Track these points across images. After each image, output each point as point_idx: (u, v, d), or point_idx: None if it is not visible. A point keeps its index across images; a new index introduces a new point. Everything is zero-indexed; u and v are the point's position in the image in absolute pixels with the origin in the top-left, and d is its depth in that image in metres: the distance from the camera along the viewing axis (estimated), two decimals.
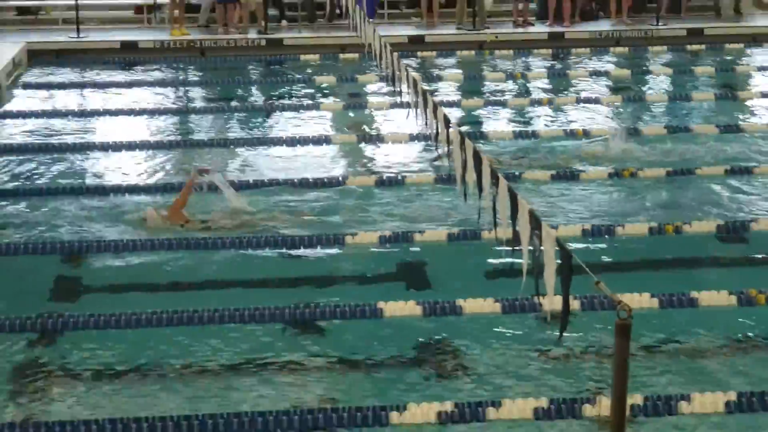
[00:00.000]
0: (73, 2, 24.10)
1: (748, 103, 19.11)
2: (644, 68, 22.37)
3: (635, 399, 8.00)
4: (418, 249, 11.77)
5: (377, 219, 12.73)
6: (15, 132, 17.01)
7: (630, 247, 11.81)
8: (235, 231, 12.14)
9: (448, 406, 8.21)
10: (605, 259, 11.35)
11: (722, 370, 9.10)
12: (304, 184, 13.90)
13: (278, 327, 9.85)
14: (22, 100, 19.33)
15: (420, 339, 9.63)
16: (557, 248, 6.15)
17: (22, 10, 26.10)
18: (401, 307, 9.97)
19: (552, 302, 6.31)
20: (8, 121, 17.70)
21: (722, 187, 13.90)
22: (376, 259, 11.66)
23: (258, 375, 9.02)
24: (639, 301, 9.66)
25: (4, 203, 13.36)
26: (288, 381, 8.92)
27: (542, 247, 6.37)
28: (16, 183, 14.29)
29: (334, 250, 11.80)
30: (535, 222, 6.55)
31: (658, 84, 21.08)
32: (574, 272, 5.96)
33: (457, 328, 9.79)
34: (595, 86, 20.60)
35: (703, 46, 24.02)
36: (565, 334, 6.43)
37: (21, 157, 15.40)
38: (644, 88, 20.57)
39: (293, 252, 11.75)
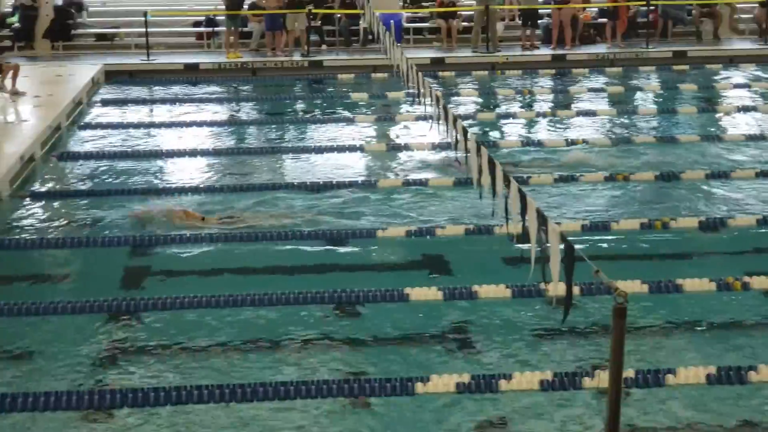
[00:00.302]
0: (144, 30, 24.19)
1: (726, 116, 18.95)
2: (635, 85, 22.23)
3: (628, 373, 7.93)
4: (439, 242, 11.74)
5: (404, 216, 12.71)
6: (94, 141, 17.06)
7: (623, 240, 11.75)
8: (248, 225, 12.19)
9: (465, 377, 8.19)
10: (602, 250, 11.27)
11: (703, 347, 9.05)
12: (341, 186, 13.89)
13: (319, 309, 9.83)
14: (100, 114, 19.38)
15: (441, 320, 9.61)
16: (561, 241, 6.12)
17: (99, 37, 26.20)
18: (425, 293, 9.94)
19: (557, 288, 6.27)
20: (88, 131, 17.74)
21: (703, 188, 13.82)
22: (402, 251, 11.65)
23: (303, 349, 9.03)
24: (631, 287, 9.55)
25: (83, 202, 13.40)
26: (328, 355, 8.93)
27: (548, 241, 6.34)
28: (94, 184, 14.33)
29: (366, 243, 11.79)
30: (542, 219, 6.51)
31: (648, 99, 20.95)
32: (576, 262, 5.93)
33: (473, 310, 9.76)
34: (592, 101, 20.49)
35: (686, 67, 23.86)
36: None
37: (99, 163, 15.46)
38: (635, 103, 20.43)
39: (332, 244, 11.75)
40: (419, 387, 8.09)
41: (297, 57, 24.12)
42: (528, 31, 25.00)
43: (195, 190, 13.89)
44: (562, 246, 6.08)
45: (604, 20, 25.63)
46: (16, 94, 19.10)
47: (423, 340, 9.24)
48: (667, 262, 11.32)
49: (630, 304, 5.61)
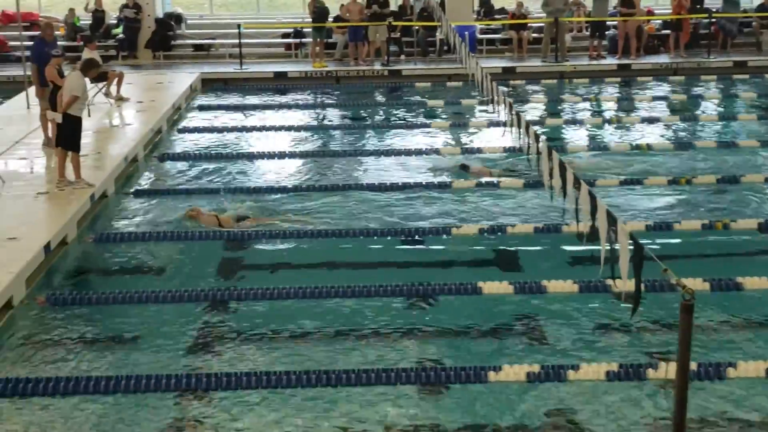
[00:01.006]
0: (237, 41, 24.43)
1: None
2: (697, 93, 21.89)
3: (690, 365, 7.81)
4: (510, 239, 11.67)
5: (477, 215, 12.65)
6: (191, 144, 17.25)
7: (686, 240, 11.56)
8: (263, 226, 12.18)
9: (535, 367, 8.15)
10: (665, 250, 11.10)
11: (762, 342, 8.87)
12: (418, 186, 13.87)
13: (398, 301, 9.83)
14: (197, 118, 19.60)
15: (512, 312, 9.54)
16: (630, 241, 6.04)
17: (197, 47, 26.52)
18: (497, 286, 9.93)
19: (625, 285, 6.19)
20: (186, 135, 17.95)
21: (762, 191, 13.57)
22: (476, 247, 11.59)
23: (383, 339, 9.02)
24: (693, 284, 9.35)
25: (181, 199, 13.53)
26: (406, 344, 8.91)
27: (617, 240, 6.27)
28: (191, 183, 14.48)
29: (442, 240, 11.75)
30: (612, 219, 6.44)
31: (709, 106, 20.60)
32: (644, 261, 5.85)
33: (542, 304, 9.69)
34: (656, 108, 20.19)
35: (746, 76, 23.44)
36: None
37: (196, 163, 15.62)
38: (697, 110, 20.11)
39: (409, 240, 11.73)
40: (491, 375, 8.06)
41: (377, 66, 24.16)
42: (595, 42, 24.77)
43: (281, 189, 13.97)
44: (631, 245, 6.00)
45: (668, 32, 25.30)
46: (120, 99, 19.41)
47: (495, 331, 9.19)
48: (727, 261, 11.11)
49: None
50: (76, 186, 12.92)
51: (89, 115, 13.42)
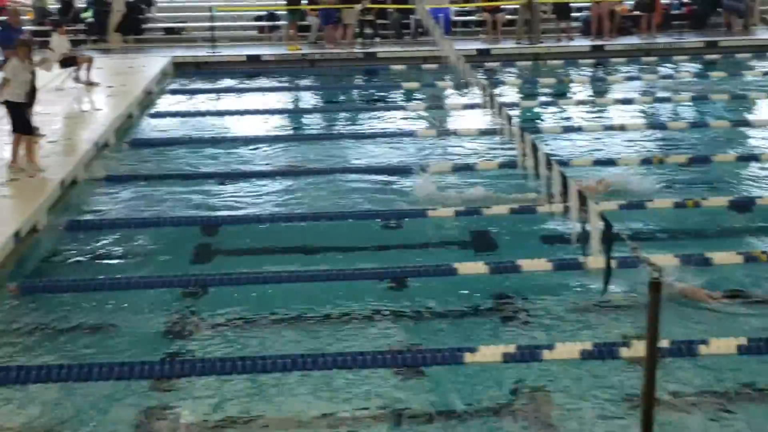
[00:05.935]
0: (209, 24, 24.32)
1: (754, 103, 18.68)
2: (669, 74, 21.98)
3: (662, 343, 7.88)
4: (485, 220, 11.71)
5: (453, 196, 12.67)
6: (163, 128, 17.17)
7: (658, 218, 11.64)
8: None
9: (511, 348, 8.19)
10: (637, 227, 11.19)
11: (735, 317, 8.95)
12: (394, 170, 13.89)
13: (373, 283, 9.86)
14: (169, 102, 19.51)
15: (487, 292, 9.59)
16: (601, 220, 6.09)
17: (168, 30, 26.38)
18: (472, 267, 9.98)
19: (597, 263, 6.24)
20: (158, 120, 17.88)
21: (733, 170, 13.69)
22: (451, 229, 11.62)
23: (357, 322, 9.04)
24: (664, 260, 9.48)
25: (153, 185, 13.49)
26: (381, 327, 8.93)
27: (588, 219, 6.31)
28: (163, 169, 14.41)
29: (418, 222, 11.78)
30: (582, 199, 6.49)
31: (681, 87, 20.67)
32: (615, 239, 5.90)
33: (517, 283, 9.74)
34: (629, 89, 20.27)
35: (718, 56, 23.58)
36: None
37: (168, 149, 15.55)
38: (670, 90, 20.19)
39: (386, 223, 11.76)
40: (467, 357, 8.09)
41: (352, 49, 24.10)
42: (563, 24, 24.82)
43: (255, 174, 13.95)
44: (601, 224, 6.06)
45: (640, 12, 25.40)
46: (90, 84, 19.30)
47: (470, 312, 9.23)
48: (698, 238, 11.15)
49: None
50: (29, 172, 12.77)
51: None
